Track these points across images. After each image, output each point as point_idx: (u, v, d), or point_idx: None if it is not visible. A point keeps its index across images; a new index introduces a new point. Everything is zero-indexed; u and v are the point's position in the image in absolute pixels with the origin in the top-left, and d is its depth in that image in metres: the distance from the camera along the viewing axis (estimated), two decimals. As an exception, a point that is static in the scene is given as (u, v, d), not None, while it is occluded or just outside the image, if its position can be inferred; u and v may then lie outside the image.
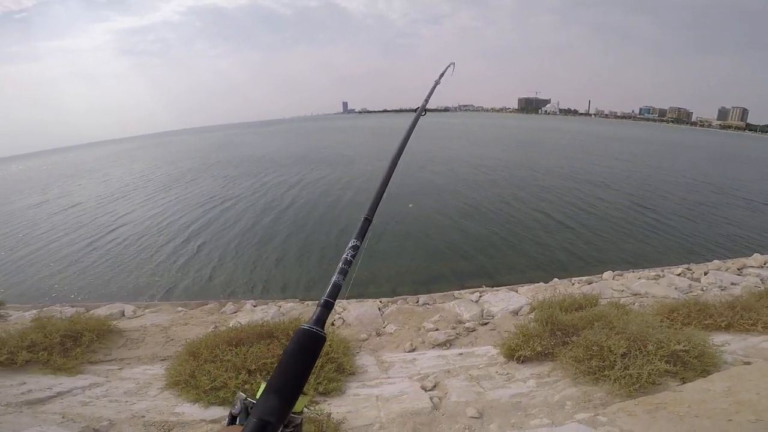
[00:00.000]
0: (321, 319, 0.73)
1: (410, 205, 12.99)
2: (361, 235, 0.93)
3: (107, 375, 3.95)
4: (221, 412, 3.28)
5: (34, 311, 5.87)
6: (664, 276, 6.55)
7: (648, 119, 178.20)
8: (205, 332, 5.10)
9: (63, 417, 2.97)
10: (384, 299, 6.31)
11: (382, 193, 1.08)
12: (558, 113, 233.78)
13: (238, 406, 0.66)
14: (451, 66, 2.49)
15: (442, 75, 2.44)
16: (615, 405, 2.75)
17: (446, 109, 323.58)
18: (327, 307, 0.75)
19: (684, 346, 3.08)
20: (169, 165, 35.96)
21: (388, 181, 1.13)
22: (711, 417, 2.35)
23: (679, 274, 6.67)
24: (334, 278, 0.80)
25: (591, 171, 22.61)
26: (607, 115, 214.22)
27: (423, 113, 1.78)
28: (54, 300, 7.98)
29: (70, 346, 4.24)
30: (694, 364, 3.03)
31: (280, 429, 0.60)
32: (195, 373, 3.69)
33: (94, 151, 76.13)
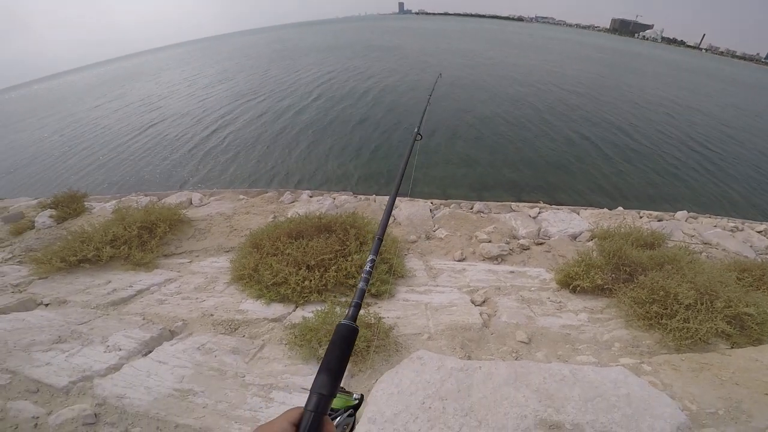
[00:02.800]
0: (354, 316, 0.96)
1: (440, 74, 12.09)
2: (376, 251, 1.22)
3: (179, 269, 4.42)
4: (282, 310, 3.67)
5: (114, 202, 6.39)
6: (742, 230, 5.94)
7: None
8: (265, 222, 5.38)
9: (143, 318, 3.39)
10: (436, 201, 6.28)
11: (389, 216, 1.40)
12: (660, 41, 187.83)
13: None
14: (439, 76, 3.42)
15: (432, 90, 3.16)
16: (661, 356, 2.85)
17: (520, 19, 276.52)
18: (357, 307, 1.00)
19: (753, 309, 2.98)
20: (227, 60, 35.95)
21: (393, 206, 1.48)
22: (750, 387, 2.42)
23: (760, 232, 6.02)
24: (360, 285, 1.06)
25: (684, 104, 19.20)
26: (722, 52, 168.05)
27: (418, 138, 2.21)
28: (130, 189, 8.63)
29: (147, 238, 4.69)
30: (753, 331, 3.00)
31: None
32: (258, 267, 4.00)
33: (152, 57, 76.01)
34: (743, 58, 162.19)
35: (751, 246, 5.40)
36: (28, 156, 14.86)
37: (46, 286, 3.98)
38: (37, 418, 2.37)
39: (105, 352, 2.93)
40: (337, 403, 0.83)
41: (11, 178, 12.70)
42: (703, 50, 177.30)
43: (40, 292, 3.86)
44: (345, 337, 0.90)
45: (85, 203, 6.07)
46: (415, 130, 2.27)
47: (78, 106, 25.06)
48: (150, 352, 3.01)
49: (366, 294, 3.90)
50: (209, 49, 63.78)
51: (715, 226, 5.99)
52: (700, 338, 2.84)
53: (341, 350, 0.87)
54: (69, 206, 5.67)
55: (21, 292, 3.87)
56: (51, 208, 5.67)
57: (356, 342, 3.21)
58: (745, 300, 3.04)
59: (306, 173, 9.33)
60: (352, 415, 0.92)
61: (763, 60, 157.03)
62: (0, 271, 4.28)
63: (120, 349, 2.95)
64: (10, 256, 4.71)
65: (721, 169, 10.88)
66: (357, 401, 0.96)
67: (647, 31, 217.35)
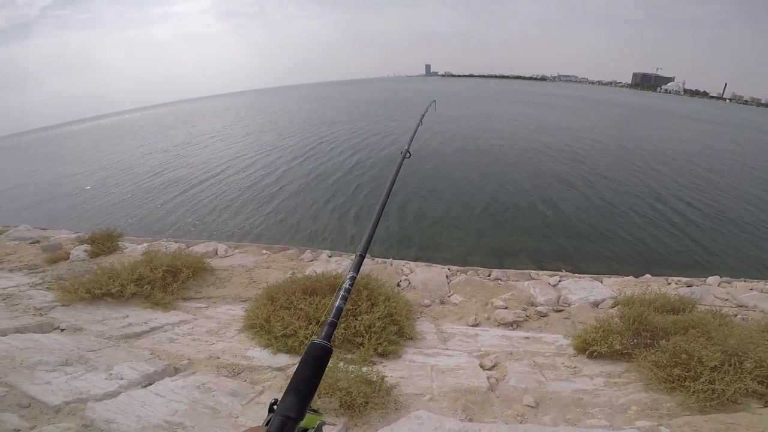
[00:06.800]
0: (328, 335, 0.92)
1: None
2: (357, 268, 1.15)
3: (195, 313, 4.56)
4: (287, 360, 3.64)
5: (146, 245, 6.82)
6: (783, 291, 5.48)
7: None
8: (283, 277, 5.53)
9: (151, 353, 3.50)
10: (453, 267, 6.30)
11: (374, 231, 1.32)
12: (682, 94, 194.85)
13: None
14: (433, 104, 3.25)
15: (423, 115, 3.06)
16: (683, 418, 2.66)
17: (543, 78, 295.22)
18: (332, 326, 0.95)
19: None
20: (268, 114, 39.76)
21: (378, 221, 1.38)
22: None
23: (803, 293, 5.53)
24: (337, 303, 1.01)
25: (711, 160, 19.15)
26: (747, 101, 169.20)
27: (407, 155, 2.10)
28: (163, 234, 9.15)
29: (170, 281, 4.90)
30: (791, 389, 2.78)
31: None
32: (270, 318, 4.08)
33: (201, 104, 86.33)
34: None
35: (793, 306, 4.95)
36: (72, 188, 16.91)
37: (66, 312, 4.22)
38: (19, 431, 2.40)
39: (106, 379, 3.00)
40: (304, 422, 0.78)
41: (53, 206, 14.56)
42: (727, 100, 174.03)
43: (59, 317, 4.10)
44: (317, 358, 0.84)
45: (119, 243, 6.54)
46: (406, 147, 2.19)
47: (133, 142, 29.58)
48: (150, 384, 3.05)
49: (372, 353, 3.81)
50: (257, 101, 74.22)
51: (751, 289, 5.60)
52: (728, 398, 2.64)
53: (312, 371, 0.82)
54: (104, 244, 6.15)
55: (42, 315, 4.13)
56: (88, 243, 6.17)
57: (354, 397, 3.10)
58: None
59: (331, 233, 9.69)
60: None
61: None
62: (27, 294, 4.60)
63: (121, 378, 3.02)
64: (41, 281, 5.06)
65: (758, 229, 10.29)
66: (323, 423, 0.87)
67: (669, 84, 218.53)
